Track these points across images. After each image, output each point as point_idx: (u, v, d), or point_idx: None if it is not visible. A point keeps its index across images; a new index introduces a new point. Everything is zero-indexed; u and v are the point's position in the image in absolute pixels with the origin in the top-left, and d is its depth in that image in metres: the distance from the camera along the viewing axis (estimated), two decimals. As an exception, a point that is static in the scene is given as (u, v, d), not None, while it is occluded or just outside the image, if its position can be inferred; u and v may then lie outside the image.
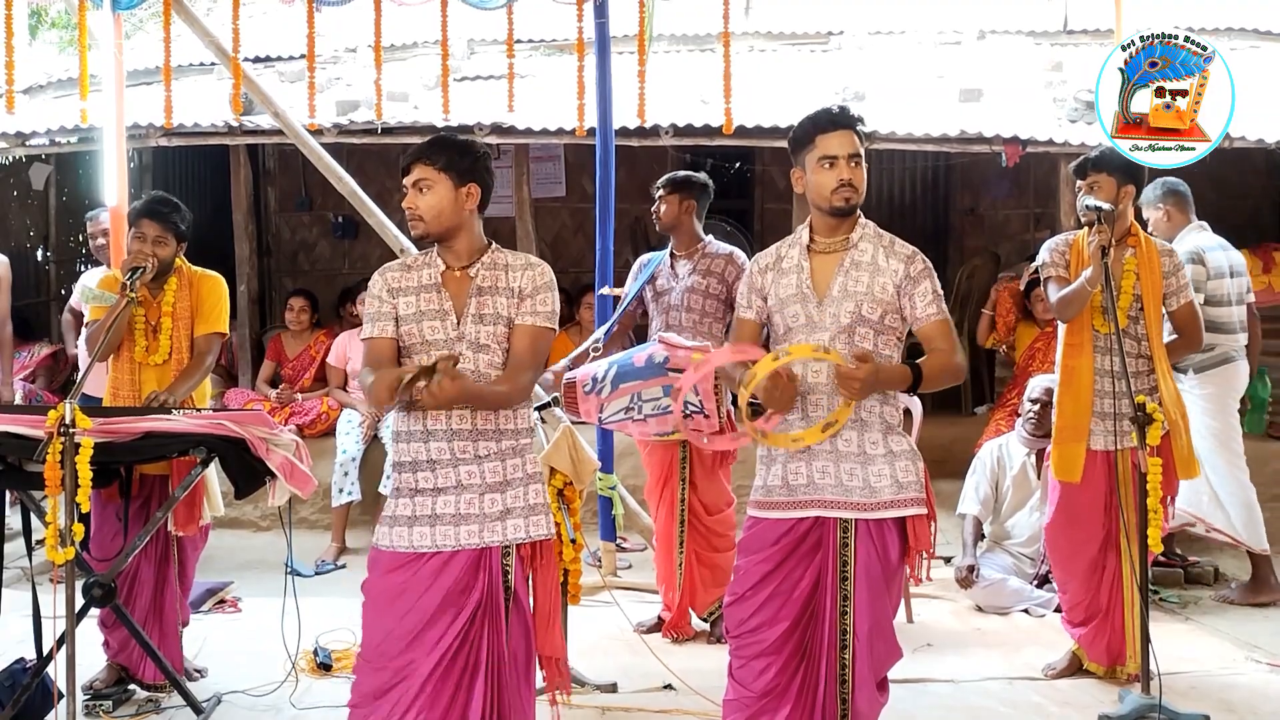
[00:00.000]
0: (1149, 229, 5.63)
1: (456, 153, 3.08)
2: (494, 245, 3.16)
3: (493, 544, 3.02)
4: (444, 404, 2.85)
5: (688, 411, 4.25)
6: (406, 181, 3.07)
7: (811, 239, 3.25)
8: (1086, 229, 4.21)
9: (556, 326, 3.13)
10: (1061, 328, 4.42)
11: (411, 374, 2.80)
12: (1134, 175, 4.40)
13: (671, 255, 5.09)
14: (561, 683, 3.30)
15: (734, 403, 4.82)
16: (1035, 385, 5.60)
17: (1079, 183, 4.38)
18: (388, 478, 5.90)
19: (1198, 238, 5.50)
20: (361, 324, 3.32)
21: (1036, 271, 4.73)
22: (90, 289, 4.86)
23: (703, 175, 5.16)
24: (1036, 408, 5.49)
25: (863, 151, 3.17)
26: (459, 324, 3.04)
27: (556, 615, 3.25)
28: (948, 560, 5.80)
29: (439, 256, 3.13)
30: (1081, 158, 4.49)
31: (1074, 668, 4.49)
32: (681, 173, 5.15)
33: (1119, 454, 4.30)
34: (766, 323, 3.30)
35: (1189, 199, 5.52)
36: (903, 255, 3.19)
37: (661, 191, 5.05)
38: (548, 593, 3.17)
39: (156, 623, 4.19)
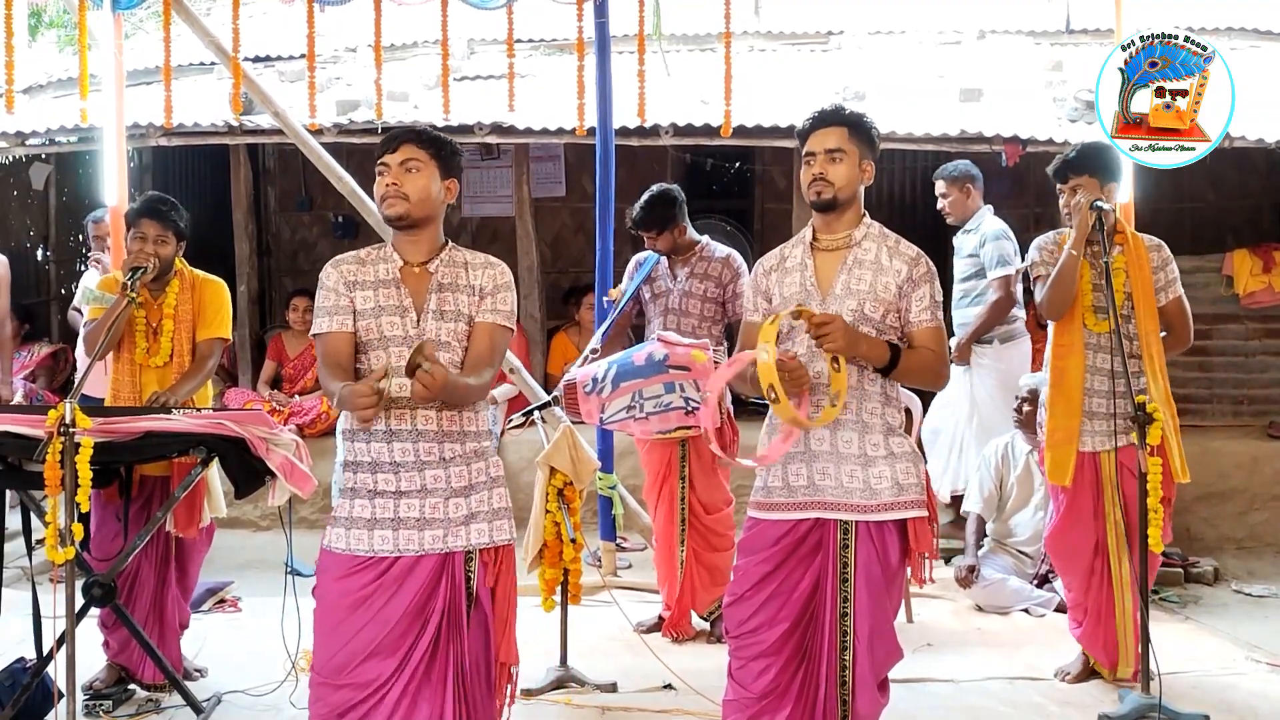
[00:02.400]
0: (943, 206, 6.08)
1: (445, 146, 3.07)
2: (450, 243, 3.12)
3: (456, 549, 2.98)
4: (434, 393, 2.74)
5: (690, 408, 4.25)
6: (391, 160, 2.98)
7: (815, 237, 3.26)
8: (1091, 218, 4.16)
9: (514, 327, 3.11)
10: (1051, 328, 4.39)
11: (381, 374, 2.74)
12: (1115, 173, 4.34)
13: (669, 257, 5.08)
14: (511, 688, 3.20)
15: (734, 401, 4.86)
16: (1023, 384, 5.57)
17: (1059, 187, 4.29)
18: None
19: (994, 219, 6.00)
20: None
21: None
22: (91, 290, 4.85)
23: (664, 191, 4.99)
24: (1024, 405, 5.45)
25: (850, 148, 3.14)
26: (419, 321, 3.01)
27: (513, 620, 3.17)
28: (948, 560, 5.80)
29: (395, 251, 3.07)
30: (1058, 161, 4.35)
31: (1088, 671, 4.41)
32: (656, 202, 4.95)
33: (1105, 455, 4.24)
34: None
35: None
36: (907, 256, 3.18)
37: (652, 234, 4.97)
38: (506, 598, 3.11)
39: (157, 623, 4.20)
